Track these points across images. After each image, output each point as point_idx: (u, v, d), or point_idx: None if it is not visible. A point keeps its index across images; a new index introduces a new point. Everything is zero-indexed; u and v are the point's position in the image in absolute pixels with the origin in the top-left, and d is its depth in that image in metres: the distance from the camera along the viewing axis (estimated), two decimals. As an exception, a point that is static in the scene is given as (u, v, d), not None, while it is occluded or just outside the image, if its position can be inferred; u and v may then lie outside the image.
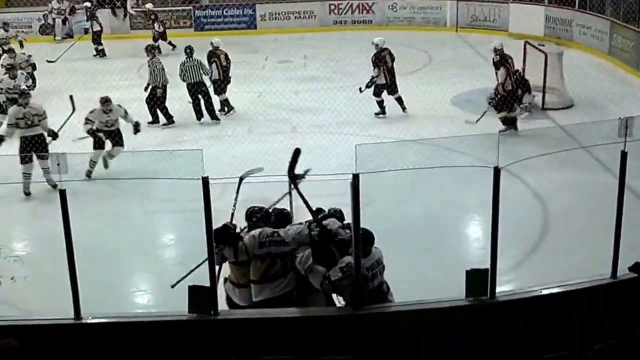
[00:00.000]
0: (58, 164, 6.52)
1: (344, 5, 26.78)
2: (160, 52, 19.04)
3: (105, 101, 12.52)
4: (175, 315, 6.67)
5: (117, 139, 12.68)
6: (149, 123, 15.17)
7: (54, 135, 12.21)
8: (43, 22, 25.16)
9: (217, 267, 6.88)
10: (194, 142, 13.43)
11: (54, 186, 11.11)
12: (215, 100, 15.84)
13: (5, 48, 19.09)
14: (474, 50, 22.35)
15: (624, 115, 6.84)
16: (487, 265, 6.58)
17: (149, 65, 15.89)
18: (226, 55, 16.43)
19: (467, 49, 22.70)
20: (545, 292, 6.88)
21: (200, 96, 15.67)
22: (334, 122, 15.14)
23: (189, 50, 15.96)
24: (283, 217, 7.32)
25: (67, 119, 13.03)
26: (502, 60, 15.05)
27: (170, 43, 23.03)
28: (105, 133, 12.57)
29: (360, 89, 15.76)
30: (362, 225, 6.48)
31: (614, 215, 6.87)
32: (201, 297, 6.57)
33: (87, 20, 23.90)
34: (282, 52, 22.04)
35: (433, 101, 16.25)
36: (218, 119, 15.59)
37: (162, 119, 15.54)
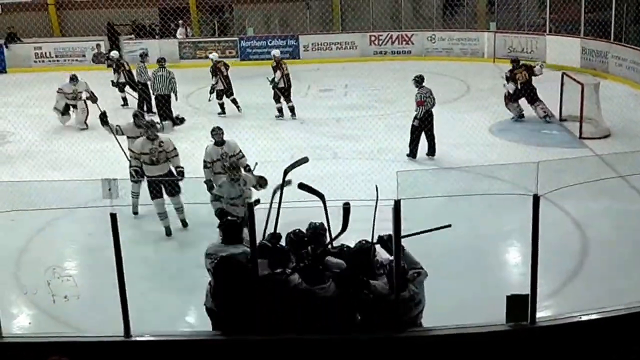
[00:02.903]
0: (109, 189, 6.79)
1: (384, 36, 27.12)
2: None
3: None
4: (223, 335, 6.81)
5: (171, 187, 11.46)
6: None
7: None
8: (96, 51, 25.69)
9: None
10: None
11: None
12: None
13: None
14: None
15: (661, 146, 6.94)
16: (527, 291, 6.66)
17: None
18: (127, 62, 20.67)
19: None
20: (585, 318, 6.91)
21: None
22: (375, 148, 15.32)
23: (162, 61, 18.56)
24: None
25: None
26: (277, 65, 18.19)
27: None
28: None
29: (209, 99, 19.37)
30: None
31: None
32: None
33: None
34: (324, 81, 22.29)
35: (471, 129, 16.38)
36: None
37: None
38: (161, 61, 18.63)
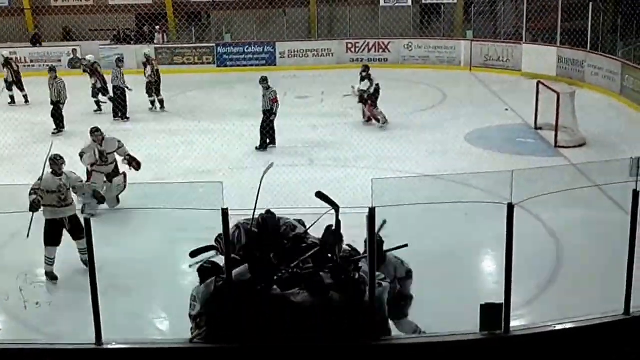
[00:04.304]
0: (84, 194, 6.74)
1: (361, 43, 27.17)
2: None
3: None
4: (194, 343, 6.76)
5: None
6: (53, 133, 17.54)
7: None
8: (72, 56, 25.54)
9: None
10: (216, 174, 13.56)
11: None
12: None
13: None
14: (487, 88, 22.53)
15: (636, 155, 6.96)
16: (501, 300, 6.67)
17: (51, 85, 18.22)
18: (16, 61, 22.36)
19: (481, 87, 22.90)
20: (559, 327, 6.95)
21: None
22: (351, 156, 15.34)
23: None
24: None
25: None
26: (147, 61, 20.34)
27: None
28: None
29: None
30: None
31: (627, 252, 6.97)
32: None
33: None
34: (300, 88, 22.27)
35: (447, 137, 16.43)
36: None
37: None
38: (54, 69, 19.13)
